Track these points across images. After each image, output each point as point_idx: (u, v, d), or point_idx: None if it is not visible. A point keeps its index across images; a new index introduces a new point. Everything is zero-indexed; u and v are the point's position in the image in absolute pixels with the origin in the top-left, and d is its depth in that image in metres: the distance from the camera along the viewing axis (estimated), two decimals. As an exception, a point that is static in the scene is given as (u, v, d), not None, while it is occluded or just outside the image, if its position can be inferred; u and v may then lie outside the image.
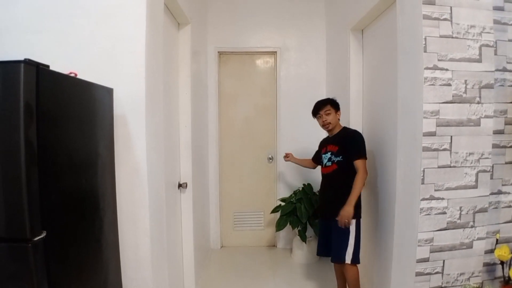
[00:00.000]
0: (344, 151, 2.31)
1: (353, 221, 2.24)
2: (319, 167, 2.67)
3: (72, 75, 1.33)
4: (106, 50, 1.65)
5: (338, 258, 2.28)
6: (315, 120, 2.51)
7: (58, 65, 1.30)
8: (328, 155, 2.40)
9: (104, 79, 1.54)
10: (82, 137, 1.33)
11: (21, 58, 1.00)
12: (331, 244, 2.35)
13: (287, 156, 2.95)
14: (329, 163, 2.39)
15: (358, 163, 2.25)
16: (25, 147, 0.98)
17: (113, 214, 1.58)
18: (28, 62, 1.00)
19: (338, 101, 2.46)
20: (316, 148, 2.75)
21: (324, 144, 2.54)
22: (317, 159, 2.72)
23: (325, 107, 2.41)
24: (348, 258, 2.23)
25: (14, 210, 1.00)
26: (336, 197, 2.31)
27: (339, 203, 2.25)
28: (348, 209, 2.17)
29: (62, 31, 1.63)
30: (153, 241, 1.78)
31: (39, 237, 1.02)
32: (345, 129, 2.46)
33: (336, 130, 2.44)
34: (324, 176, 2.48)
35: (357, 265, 2.28)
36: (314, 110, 2.47)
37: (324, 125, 2.43)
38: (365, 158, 2.28)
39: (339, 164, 2.33)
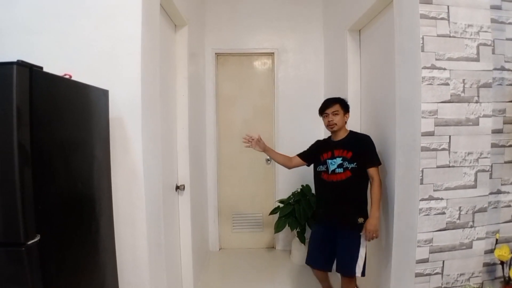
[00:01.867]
0: (359, 158, 2.18)
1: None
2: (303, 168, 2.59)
3: (67, 76, 1.32)
4: (105, 51, 1.64)
5: (348, 271, 2.17)
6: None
7: (57, 66, 1.30)
8: (339, 160, 2.21)
9: (102, 80, 1.53)
10: (77, 139, 1.31)
11: (21, 59, 0.99)
12: (330, 256, 2.27)
13: (250, 140, 2.50)
14: (340, 170, 2.20)
15: (374, 171, 2.16)
16: (18, 150, 0.97)
17: (110, 217, 1.57)
18: (21, 64, 0.98)
19: None
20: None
21: (327, 147, 2.32)
22: (307, 159, 2.50)
23: (333, 107, 2.25)
24: (359, 271, 2.14)
25: (8, 214, 0.98)
26: (353, 207, 2.20)
27: (356, 213, 2.18)
28: (375, 223, 2.10)
29: (61, 32, 1.62)
30: (150, 244, 1.76)
31: (33, 240, 1.00)
32: (355, 134, 2.32)
33: (343, 134, 2.29)
34: (331, 184, 2.23)
35: None
36: (322, 107, 2.31)
37: (329, 125, 2.28)
38: (380, 164, 2.21)
39: (353, 171, 2.17)
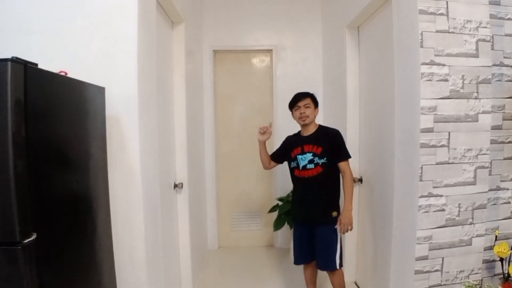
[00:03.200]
0: (329, 152, 2.17)
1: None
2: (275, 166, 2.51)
3: (62, 74, 1.30)
4: (102, 50, 1.62)
5: (330, 266, 2.22)
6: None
7: (54, 66, 1.29)
8: (309, 156, 2.19)
9: (99, 79, 1.52)
10: (73, 137, 1.30)
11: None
12: (311, 250, 2.29)
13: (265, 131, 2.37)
14: (311, 166, 2.18)
15: (344, 165, 2.18)
16: (13, 147, 0.95)
17: (106, 216, 1.55)
18: (15, 60, 0.97)
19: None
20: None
21: (296, 143, 2.29)
22: (279, 158, 2.45)
23: (305, 100, 2.24)
24: (338, 264, 2.20)
25: (3, 212, 0.97)
26: (326, 202, 2.21)
27: (329, 208, 2.20)
28: (349, 216, 2.14)
29: (58, 31, 1.60)
30: (148, 243, 1.75)
31: (29, 239, 0.99)
32: (325, 128, 2.31)
33: (312, 129, 2.28)
34: (304, 179, 2.22)
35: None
36: (294, 100, 2.28)
37: (301, 118, 2.24)
38: (350, 157, 2.23)
39: (324, 166, 2.17)
